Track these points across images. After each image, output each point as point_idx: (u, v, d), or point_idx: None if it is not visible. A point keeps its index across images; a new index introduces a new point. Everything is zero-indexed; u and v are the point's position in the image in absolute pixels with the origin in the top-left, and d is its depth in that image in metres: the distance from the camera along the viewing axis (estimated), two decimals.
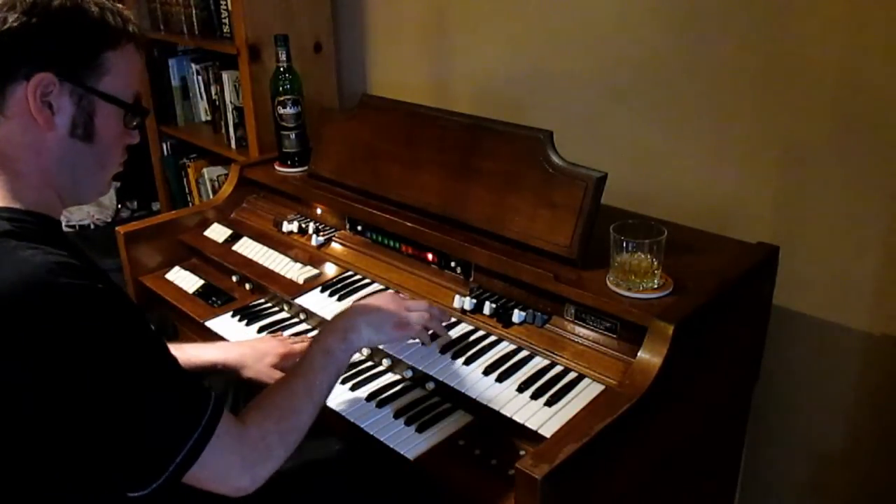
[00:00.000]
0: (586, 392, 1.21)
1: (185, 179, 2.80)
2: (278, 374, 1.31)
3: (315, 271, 1.67)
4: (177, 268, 1.88)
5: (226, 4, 2.27)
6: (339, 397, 1.32)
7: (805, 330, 1.57)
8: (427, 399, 1.32)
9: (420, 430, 1.24)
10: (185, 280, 1.82)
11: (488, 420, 1.23)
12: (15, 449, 0.88)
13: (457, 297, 1.45)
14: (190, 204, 2.78)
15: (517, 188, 1.42)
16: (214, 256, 1.83)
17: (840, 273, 1.50)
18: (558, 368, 1.27)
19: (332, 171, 1.78)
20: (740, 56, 1.53)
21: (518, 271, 1.37)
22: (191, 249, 1.92)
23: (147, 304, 1.82)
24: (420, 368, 1.32)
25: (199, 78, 2.65)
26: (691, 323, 1.17)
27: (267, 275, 1.71)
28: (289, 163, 1.95)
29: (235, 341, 1.49)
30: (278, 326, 1.58)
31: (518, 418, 1.17)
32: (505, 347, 1.34)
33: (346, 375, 1.36)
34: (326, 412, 1.14)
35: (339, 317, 1.24)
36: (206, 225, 1.95)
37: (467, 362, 1.31)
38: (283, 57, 1.90)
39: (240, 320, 1.62)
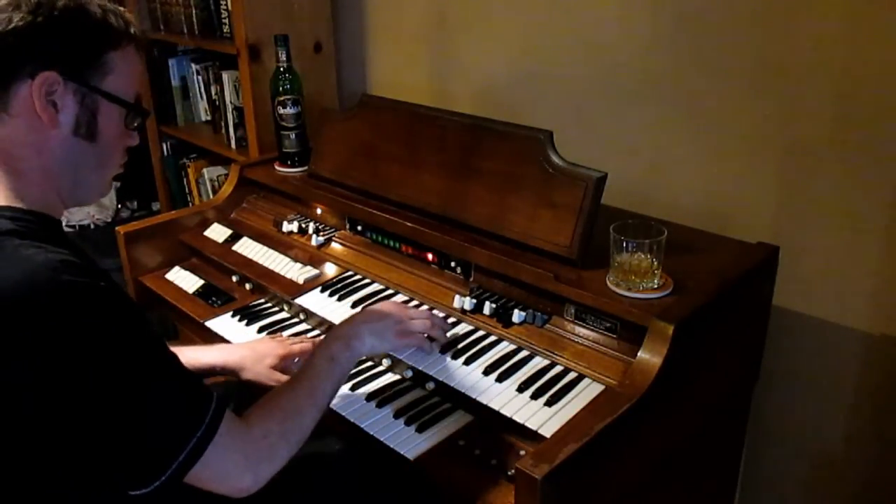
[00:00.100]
0: (586, 392, 1.21)
1: (185, 179, 2.80)
2: (278, 376, 1.31)
3: (315, 271, 1.67)
4: (177, 268, 1.88)
5: (226, 4, 2.28)
6: (340, 397, 1.31)
7: (805, 330, 1.57)
8: (427, 399, 1.32)
9: (420, 430, 1.24)
10: (185, 280, 1.82)
11: (488, 420, 1.23)
12: (17, 446, 0.88)
13: (457, 297, 1.45)
14: (190, 204, 2.78)
15: (517, 188, 1.42)
16: (214, 256, 1.83)
17: (840, 273, 1.50)
18: (558, 368, 1.27)
19: (332, 171, 1.78)
20: (740, 56, 1.53)
21: (518, 271, 1.37)
22: (191, 249, 1.92)
23: (147, 304, 1.82)
24: (420, 368, 1.32)
25: (199, 78, 2.65)
26: (691, 323, 1.17)
27: (267, 275, 1.71)
28: (289, 163, 1.96)
29: (234, 344, 1.49)
30: (278, 326, 1.58)
31: (518, 418, 1.17)
32: (505, 347, 1.34)
33: None
34: (327, 412, 1.15)
35: (344, 324, 1.26)
36: (206, 225, 1.95)
37: (467, 362, 1.31)
38: (283, 57, 1.90)
39: (240, 320, 1.62)
